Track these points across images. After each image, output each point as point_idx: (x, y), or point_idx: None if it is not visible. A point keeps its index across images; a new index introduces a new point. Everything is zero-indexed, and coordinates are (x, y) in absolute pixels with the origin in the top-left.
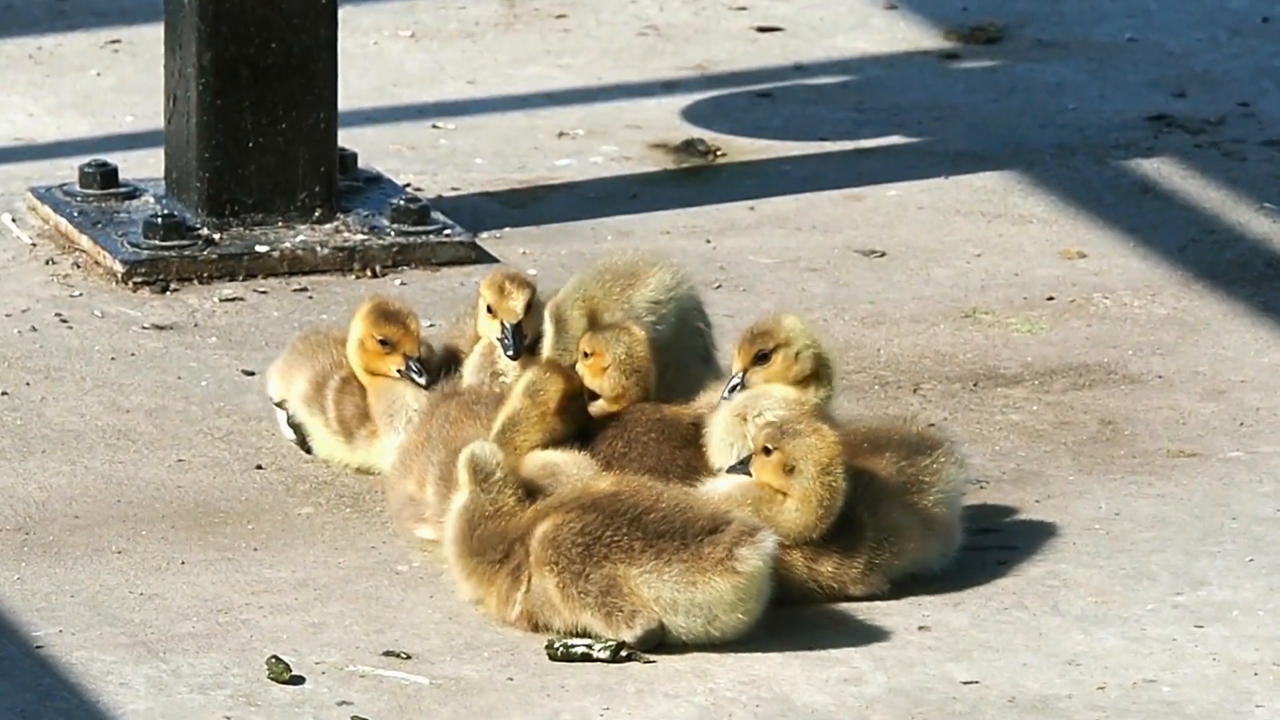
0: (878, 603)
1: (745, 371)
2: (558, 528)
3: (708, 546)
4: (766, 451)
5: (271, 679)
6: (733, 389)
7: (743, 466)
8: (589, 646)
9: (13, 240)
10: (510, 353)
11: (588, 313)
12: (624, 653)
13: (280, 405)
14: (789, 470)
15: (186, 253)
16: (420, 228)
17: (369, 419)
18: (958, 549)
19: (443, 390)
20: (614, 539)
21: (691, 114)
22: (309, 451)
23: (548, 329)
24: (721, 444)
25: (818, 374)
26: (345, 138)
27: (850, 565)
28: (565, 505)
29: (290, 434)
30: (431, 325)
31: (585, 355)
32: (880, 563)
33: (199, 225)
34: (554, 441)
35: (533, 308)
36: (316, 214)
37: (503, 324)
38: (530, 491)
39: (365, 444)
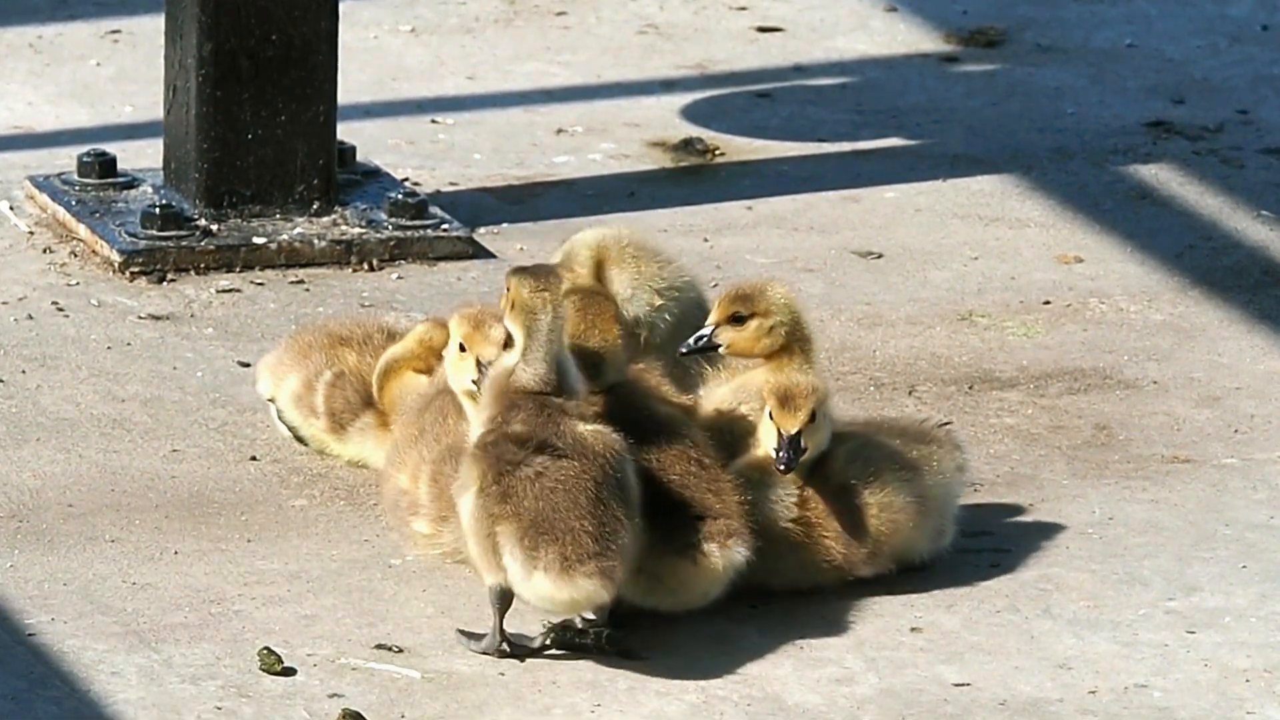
0: (870, 603)
1: (717, 327)
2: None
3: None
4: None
5: (263, 670)
6: (699, 340)
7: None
8: (581, 634)
9: (10, 228)
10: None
11: (596, 259)
12: (607, 636)
13: (271, 401)
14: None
15: (184, 243)
16: (418, 222)
17: (360, 413)
18: (950, 544)
19: (437, 385)
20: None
21: (690, 113)
22: (304, 443)
23: (556, 256)
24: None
25: (791, 349)
26: (344, 131)
27: (859, 546)
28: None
29: (285, 429)
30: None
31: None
32: (885, 542)
33: (197, 216)
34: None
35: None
36: (314, 207)
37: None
38: None
39: (357, 438)
